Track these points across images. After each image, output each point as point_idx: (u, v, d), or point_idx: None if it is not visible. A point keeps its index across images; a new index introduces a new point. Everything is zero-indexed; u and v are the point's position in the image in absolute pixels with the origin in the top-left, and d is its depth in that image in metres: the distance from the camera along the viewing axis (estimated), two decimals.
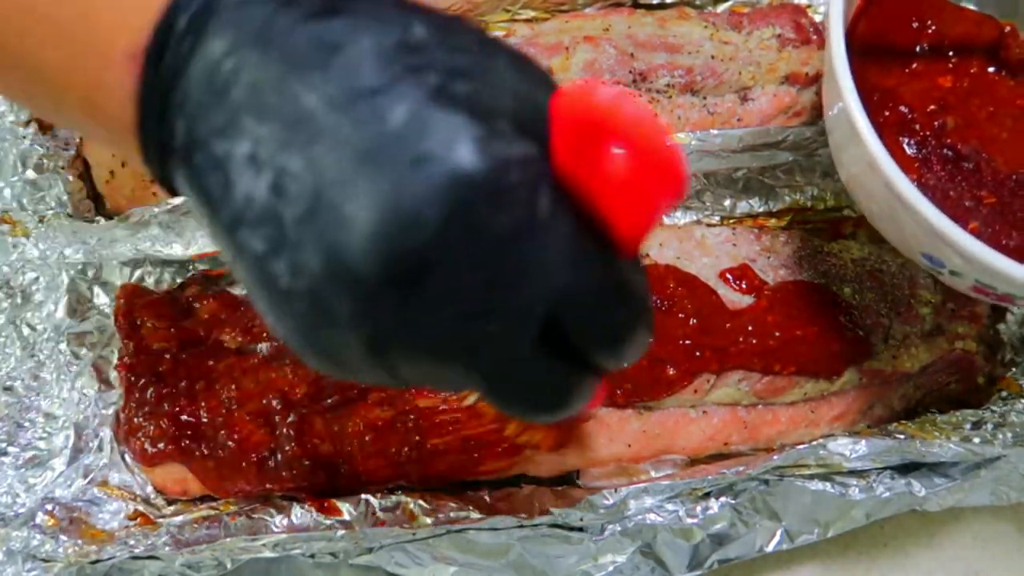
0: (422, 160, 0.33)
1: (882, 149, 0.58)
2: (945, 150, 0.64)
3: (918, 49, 0.67)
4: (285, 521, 0.68)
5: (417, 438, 0.69)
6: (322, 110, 0.34)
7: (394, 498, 0.70)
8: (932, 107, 0.65)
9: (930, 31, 0.67)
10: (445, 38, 0.36)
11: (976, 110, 0.66)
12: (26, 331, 0.76)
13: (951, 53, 0.67)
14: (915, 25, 0.68)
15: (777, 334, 0.72)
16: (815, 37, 0.88)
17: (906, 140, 0.65)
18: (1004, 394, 0.76)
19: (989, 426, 0.71)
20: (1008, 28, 0.70)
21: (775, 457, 0.69)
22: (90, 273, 0.79)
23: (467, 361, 0.36)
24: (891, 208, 0.60)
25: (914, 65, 0.67)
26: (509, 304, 0.35)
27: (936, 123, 0.65)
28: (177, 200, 0.75)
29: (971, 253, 0.57)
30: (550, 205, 0.34)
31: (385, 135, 0.33)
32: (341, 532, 0.66)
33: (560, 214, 0.35)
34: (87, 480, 0.71)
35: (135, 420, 0.71)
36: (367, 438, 0.69)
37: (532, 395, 0.39)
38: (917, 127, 0.65)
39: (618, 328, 0.39)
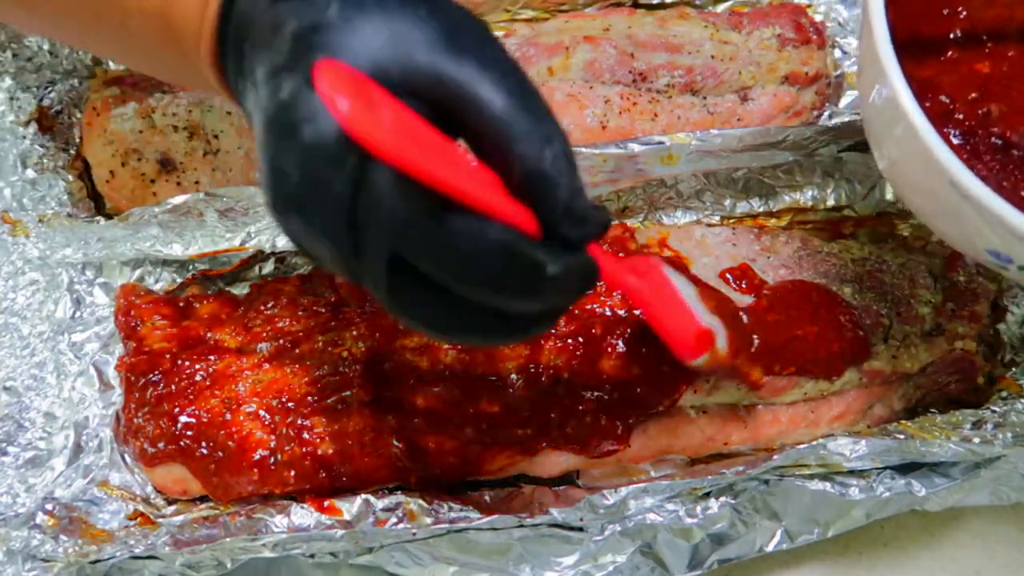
0: (293, 127, 0.44)
1: (941, 142, 0.55)
2: (993, 138, 0.61)
3: (951, 37, 0.65)
4: (285, 521, 0.68)
5: (417, 438, 0.70)
6: (262, 79, 0.48)
7: (394, 498, 0.70)
8: (973, 95, 0.63)
9: (961, 17, 0.64)
10: (350, 19, 0.46)
11: (1019, 95, 0.63)
12: (26, 331, 0.76)
13: (985, 38, 0.66)
14: (945, 12, 0.65)
15: (777, 334, 0.72)
16: (815, 37, 0.88)
17: (951, 131, 0.62)
18: (1004, 394, 0.76)
19: (989, 426, 0.71)
20: None
21: (775, 457, 0.69)
22: (90, 273, 0.79)
23: (357, 280, 0.47)
24: (950, 204, 0.57)
25: (949, 53, 0.64)
26: (360, 244, 0.45)
27: (980, 111, 0.62)
28: (177, 200, 0.75)
29: None
30: (387, 170, 0.43)
31: (278, 106, 0.45)
32: (341, 532, 0.66)
33: (385, 171, 0.43)
34: (87, 480, 0.71)
35: (135, 420, 0.71)
36: (367, 438, 0.69)
37: (410, 313, 0.48)
38: (961, 116, 0.62)
39: (464, 274, 0.45)
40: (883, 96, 0.59)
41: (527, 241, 0.45)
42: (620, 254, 0.74)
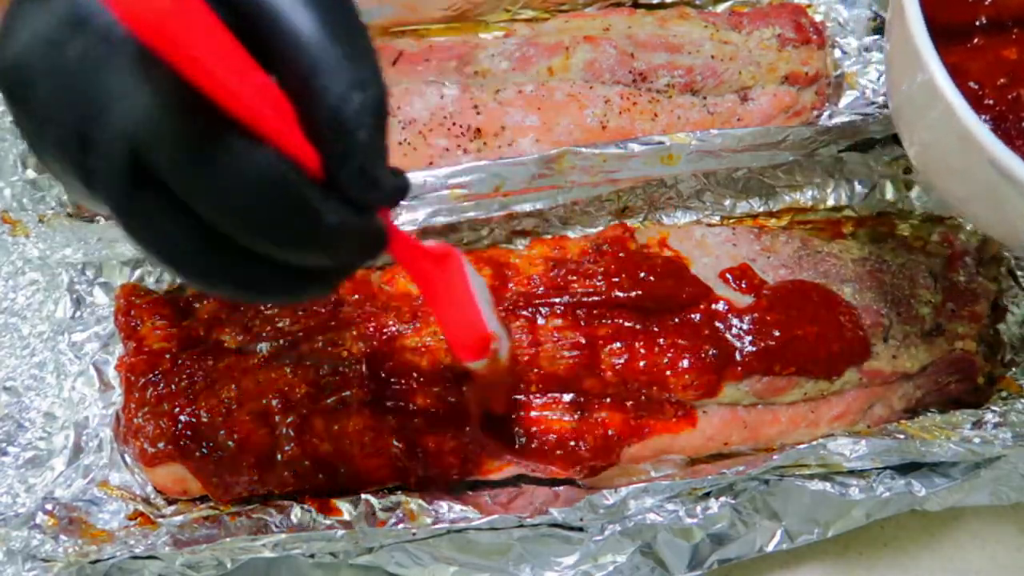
0: None
1: (979, 121, 0.55)
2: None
3: (977, 23, 0.65)
4: (285, 521, 0.68)
5: (417, 438, 0.70)
6: None
7: (394, 498, 0.70)
8: (1002, 80, 0.63)
9: (987, 3, 0.65)
10: None
11: None
12: (26, 331, 0.76)
13: (1011, 24, 0.65)
14: (970, 0, 0.66)
15: (777, 334, 0.72)
16: (815, 37, 0.88)
17: (982, 117, 0.60)
18: (1004, 394, 0.76)
19: (989, 426, 0.71)
20: None
21: (775, 457, 0.69)
22: (90, 273, 0.79)
23: (86, 184, 0.39)
24: (989, 184, 0.57)
25: (975, 40, 0.64)
26: (95, 131, 0.38)
27: (1010, 96, 0.62)
28: None
29: None
30: (137, 53, 0.37)
31: None
32: (341, 532, 0.66)
33: (143, 53, 0.36)
34: (87, 480, 0.71)
35: (135, 420, 0.71)
36: (367, 438, 0.69)
37: (149, 241, 0.40)
38: (991, 102, 0.62)
39: (215, 196, 0.39)
40: (918, 81, 0.59)
41: (304, 182, 0.39)
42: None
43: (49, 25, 0.38)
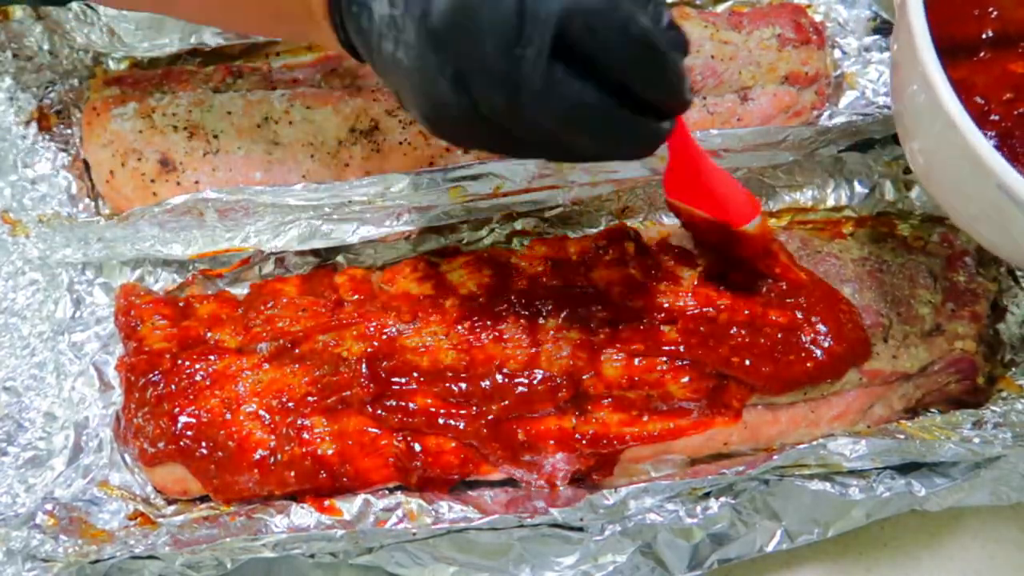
0: None
1: (987, 144, 0.55)
2: None
3: (983, 37, 0.65)
4: (285, 521, 0.68)
5: (417, 438, 0.70)
6: None
7: (394, 498, 0.70)
8: (1008, 95, 0.62)
9: (992, 17, 0.64)
10: None
11: None
12: (26, 331, 0.76)
13: (1017, 38, 0.65)
14: (976, 13, 0.64)
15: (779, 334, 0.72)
16: (815, 37, 0.88)
17: (988, 133, 0.61)
18: (1004, 394, 0.76)
19: (989, 426, 0.71)
20: None
21: (775, 457, 0.69)
22: (90, 273, 0.79)
23: (514, 80, 0.51)
24: (996, 207, 0.56)
25: (981, 54, 0.64)
26: (526, 26, 0.50)
27: (1016, 112, 0.62)
28: (177, 200, 0.75)
29: None
30: None
31: None
32: (341, 532, 0.66)
33: None
34: (87, 480, 0.71)
35: (135, 420, 0.71)
36: (367, 438, 0.69)
37: (572, 109, 0.53)
38: (996, 117, 0.62)
39: (615, 41, 0.51)
40: (922, 97, 0.58)
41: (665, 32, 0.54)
42: None
43: None
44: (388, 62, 0.56)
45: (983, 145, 0.55)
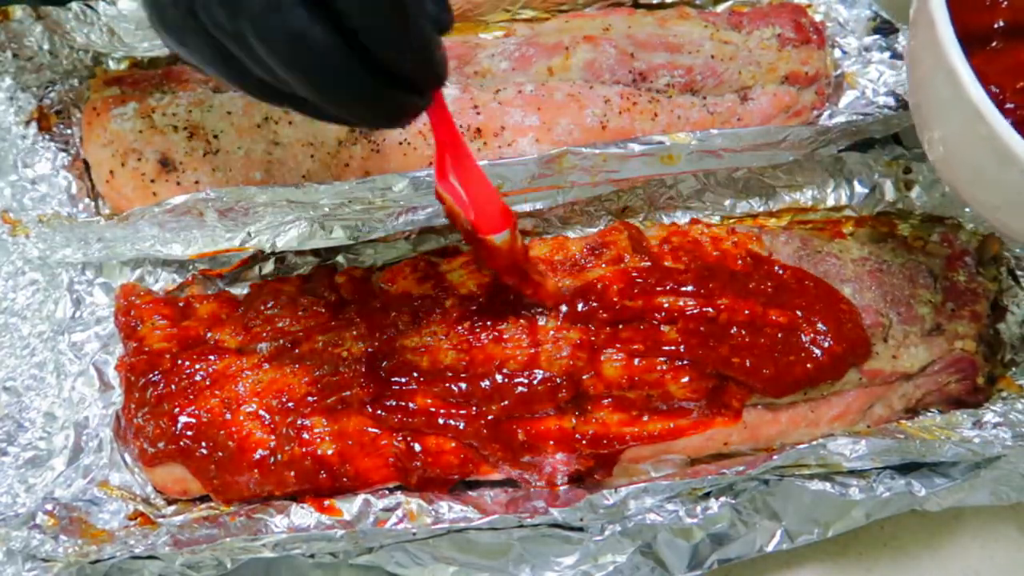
0: None
1: (1013, 131, 0.55)
2: None
3: (996, 27, 0.64)
4: (285, 521, 0.68)
5: (417, 438, 0.70)
6: None
7: (394, 498, 0.70)
8: (1022, 83, 0.62)
9: (1004, 6, 0.64)
10: None
11: None
12: (26, 331, 0.76)
13: None
14: (988, 3, 0.65)
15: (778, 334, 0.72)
16: (815, 37, 0.88)
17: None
18: (1004, 394, 0.76)
19: (989, 426, 0.71)
20: None
21: (775, 457, 0.69)
22: (90, 273, 0.79)
23: (256, 26, 0.48)
24: (1022, 194, 0.57)
25: (994, 43, 0.64)
26: None
27: None
28: (177, 200, 0.75)
29: None
30: None
31: None
32: (341, 532, 0.66)
33: None
34: (87, 480, 0.71)
35: (135, 420, 0.71)
36: (367, 438, 0.69)
37: (285, 38, 0.49)
38: (1011, 106, 0.62)
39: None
40: (945, 87, 0.59)
41: None
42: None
43: None
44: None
45: (1009, 133, 0.55)
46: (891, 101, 0.87)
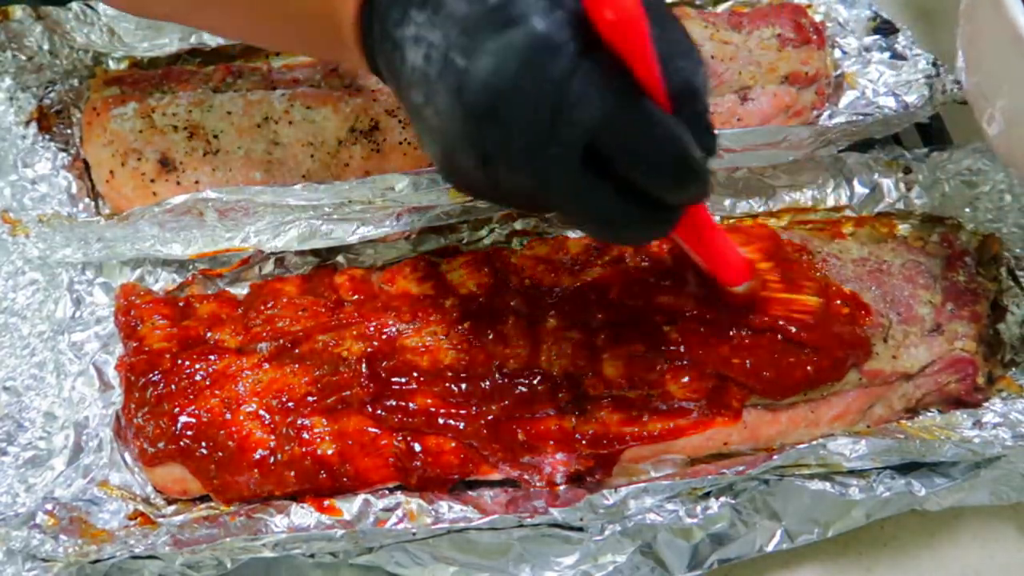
0: (513, 21, 0.48)
1: None
2: None
3: None
4: (285, 521, 0.68)
5: (417, 438, 0.70)
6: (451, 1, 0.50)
7: (394, 498, 0.70)
8: None
9: None
10: None
11: None
12: (26, 331, 0.76)
13: None
14: None
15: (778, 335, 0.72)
16: (815, 37, 0.88)
17: None
18: (1004, 394, 0.76)
19: (989, 426, 0.71)
20: None
21: (775, 457, 0.69)
22: (90, 273, 0.79)
23: (540, 175, 0.51)
24: None
25: None
26: (561, 129, 0.49)
27: None
28: (177, 200, 0.75)
29: None
30: (589, 57, 0.48)
31: (486, 9, 0.49)
32: (341, 532, 0.66)
33: (596, 63, 0.48)
34: (87, 480, 0.71)
35: (135, 420, 0.71)
36: (367, 438, 0.69)
37: (591, 208, 0.53)
38: None
39: (648, 156, 0.51)
40: (1014, 56, 0.59)
41: (689, 135, 0.52)
42: None
43: (516, 51, 0.48)
44: (415, 109, 0.54)
45: None
46: (891, 101, 0.87)
